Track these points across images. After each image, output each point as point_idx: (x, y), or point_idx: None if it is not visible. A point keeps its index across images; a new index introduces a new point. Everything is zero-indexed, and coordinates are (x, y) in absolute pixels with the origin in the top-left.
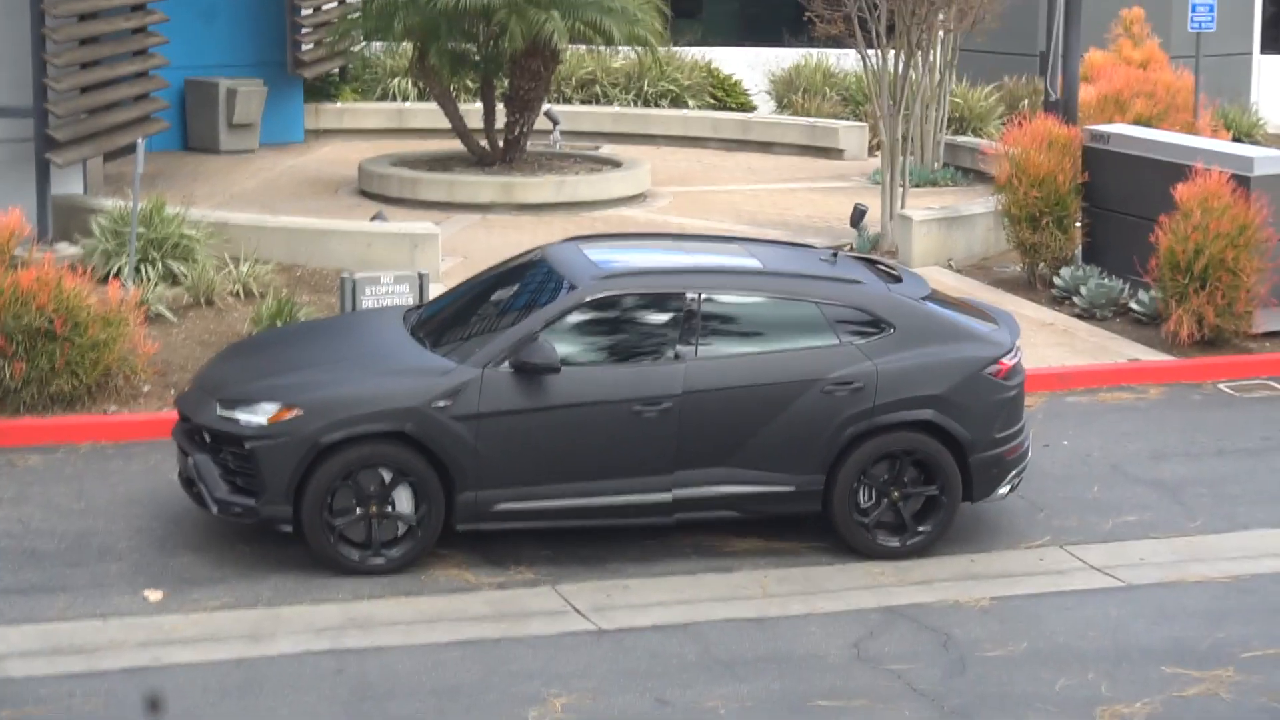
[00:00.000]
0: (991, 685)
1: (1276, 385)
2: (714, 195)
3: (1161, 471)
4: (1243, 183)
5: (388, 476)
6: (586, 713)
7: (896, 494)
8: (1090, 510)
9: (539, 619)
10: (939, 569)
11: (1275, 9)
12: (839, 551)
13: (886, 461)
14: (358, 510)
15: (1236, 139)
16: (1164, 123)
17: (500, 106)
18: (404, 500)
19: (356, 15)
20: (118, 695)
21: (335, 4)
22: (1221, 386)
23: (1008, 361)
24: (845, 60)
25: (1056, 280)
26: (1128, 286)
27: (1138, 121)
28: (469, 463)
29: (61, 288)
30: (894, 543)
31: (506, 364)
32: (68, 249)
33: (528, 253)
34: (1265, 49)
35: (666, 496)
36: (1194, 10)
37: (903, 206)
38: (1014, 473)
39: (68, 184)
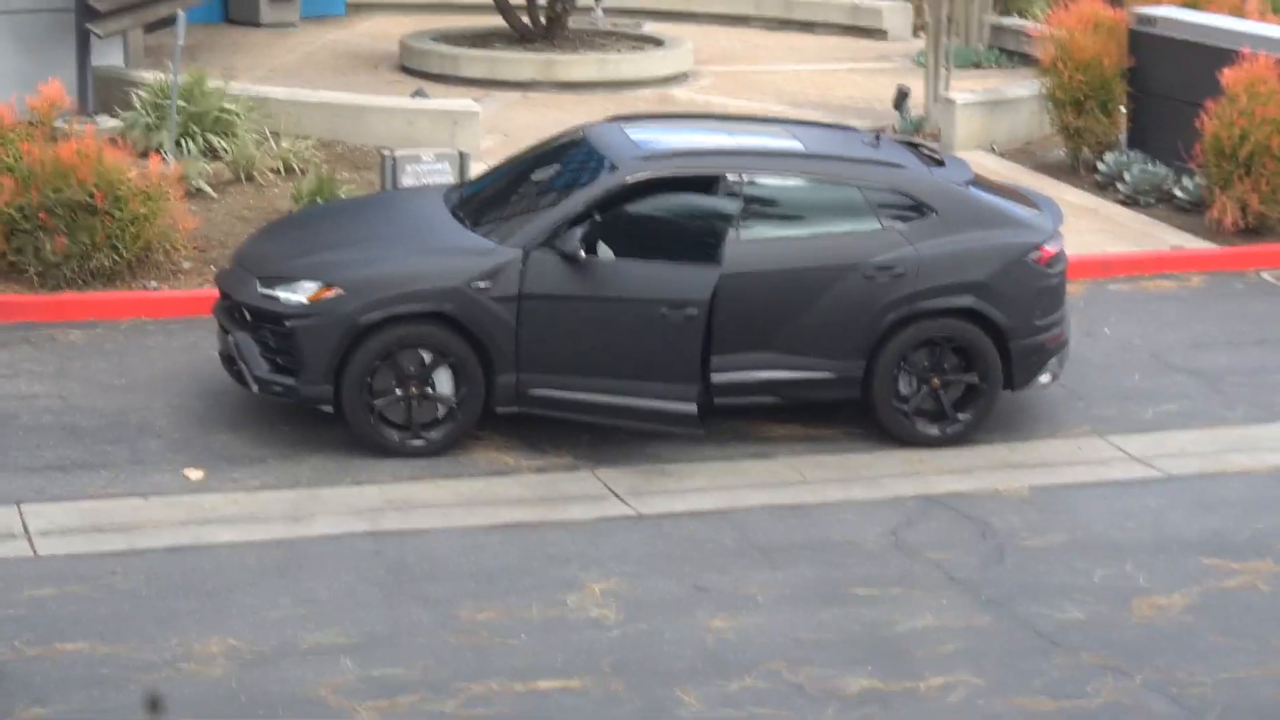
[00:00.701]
0: (1029, 575)
1: None
2: (756, 75)
3: (1202, 361)
4: None
5: (428, 357)
6: (625, 597)
7: (936, 381)
8: (1131, 399)
9: (578, 503)
10: (978, 457)
11: None
12: (877, 439)
13: (927, 348)
14: (397, 391)
15: None
16: (1211, 5)
17: None
18: (444, 382)
19: None
20: (159, 573)
21: None
22: (1265, 275)
23: (1050, 248)
24: None
25: (1100, 166)
26: (1172, 173)
27: (1185, 4)
28: (508, 345)
29: (102, 161)
30: (933, 430)
31: (548, 246)
32: (108, 122)
33: (569, 132)
34: None
35: (692, 408)
36: None
37: (946, 89)
38: (1054, 361)
39: (108, 56)
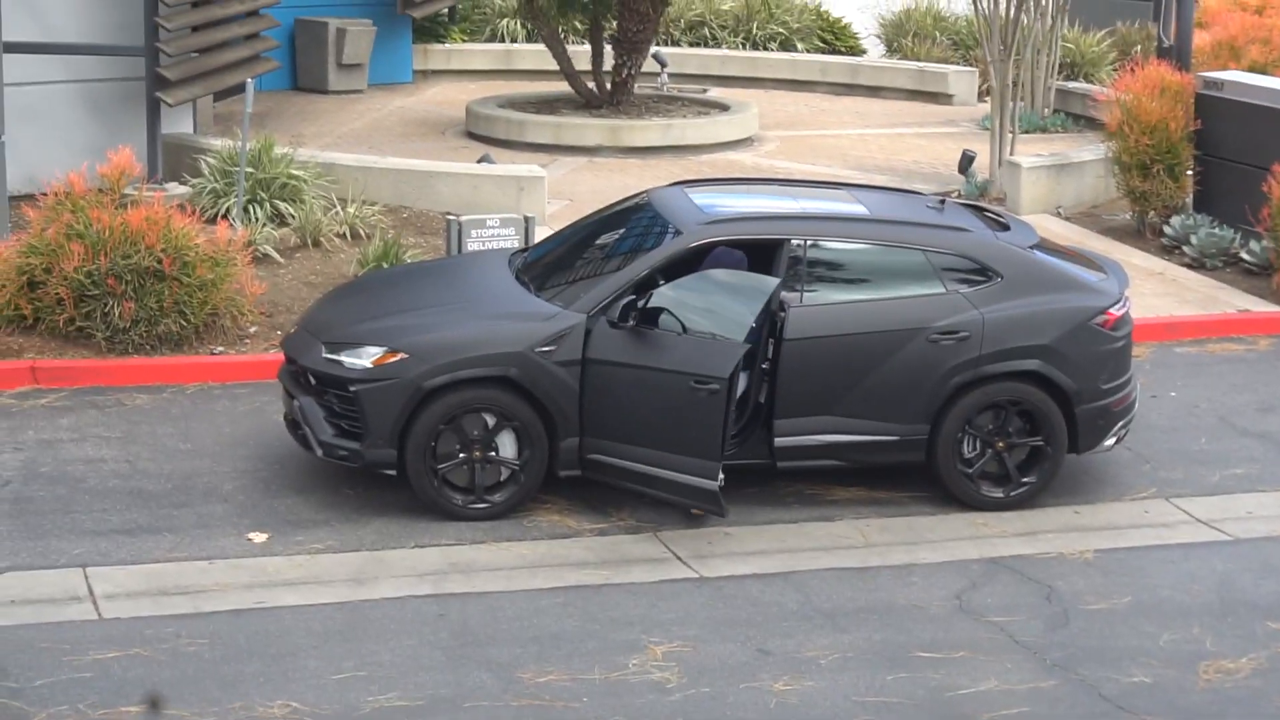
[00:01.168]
0: (1094, 638)
1: None
2: (821, 140)
3: (1270, 424)
4: None
5: (491, 421)
6: (687, 661)
7: (1001, 444)
8: (1197, 462)
9: (640, 566)
10: (1043, 520)
11: None
12: (942, 501)
13: (992, 411)
14: (461, 455)
15: None
16: (1279, 70)
17: (608, 48)
18: (507, 445)
19: None
20: (223, 636)
21: None
22: None
23: (1116, 311)
24: (956, 4)
25: (1166, 229)
26: (1239, 236)
27: (1252, 68)
28: (571, 409)
29: (170, 227)
30: (998, 493)
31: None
32: (177, 188)
33: (633, 197)
34: None
35: (713, 485)
36: None
37: (1012, 153)
38: (1120, 424)
39: (178, 123)
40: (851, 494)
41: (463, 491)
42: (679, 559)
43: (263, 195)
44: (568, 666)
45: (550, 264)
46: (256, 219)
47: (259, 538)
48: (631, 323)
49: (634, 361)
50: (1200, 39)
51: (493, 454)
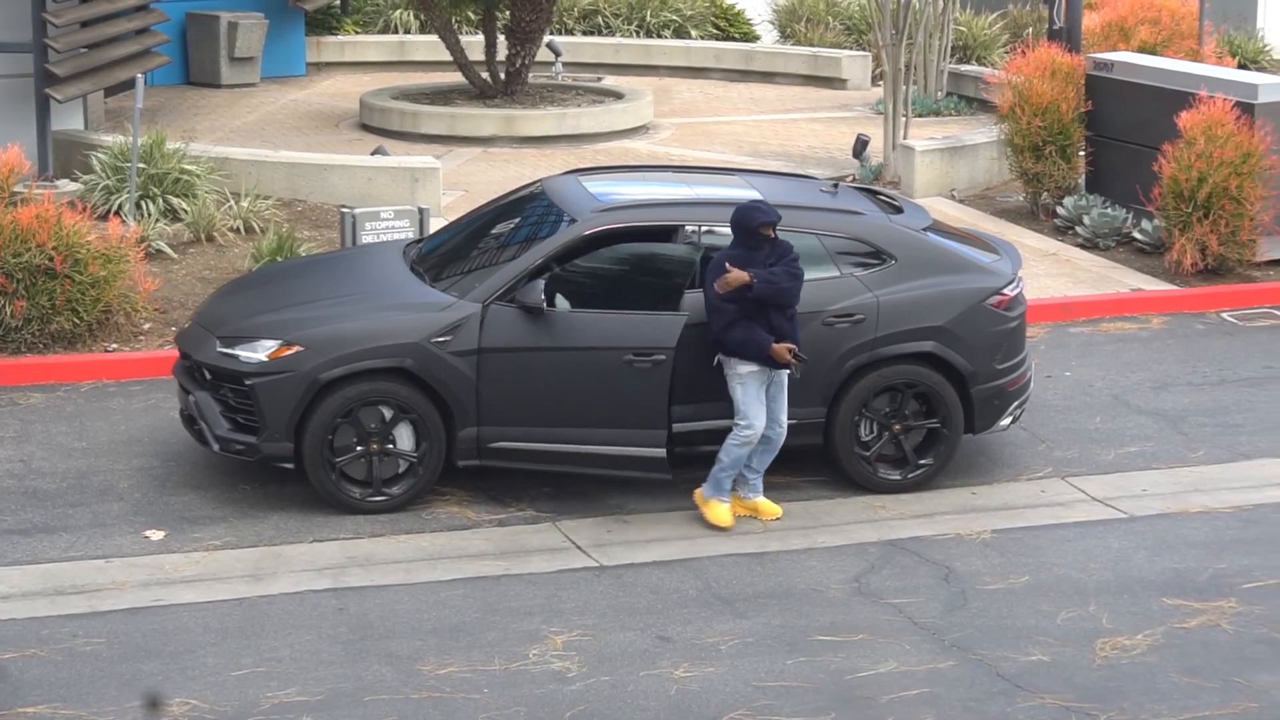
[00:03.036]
0: (992, 618)
1: (1279, 314)
2: (717, 126)
3: (1164, 402)
4: (1247, 110)
5: (388, 413)
6: (587, 650)
7: (898, 426)
8: (1092, 441)
9: (540, 556)
10: (940, 502)
11: None
12: (839, 485)
13: (888, 394)
14: (359, 448)
15: (1242, 66)
16: (1168, 50)
17: (501, 38)
18: (405, 437)
19: None
20: (120, 636)
21: None
22: (1225, 315)
23: (1009, 292)
24: None
25: (1059, 210)
26: (1131, 216)
27: (1142, 49)
28: (468, 399)
29: (61, 225)
30: (895, 476)
31: (506, 300)
32: (68, 185)
33: (528, 186)
34: None
35: (661, 452)
36: None
37: (905, 136)
38: (1016, 404)
39: (68, 120)
40: None
41: (361, 484)
42: (578, 548)
43: (155, 191)
44: (468, 658)
45: (445, 254)
46: (149, 215)
47: (156, 535)
48: (546, 305)
49: (549, 345)
50: (1090, 20)
51: (390, 446)
